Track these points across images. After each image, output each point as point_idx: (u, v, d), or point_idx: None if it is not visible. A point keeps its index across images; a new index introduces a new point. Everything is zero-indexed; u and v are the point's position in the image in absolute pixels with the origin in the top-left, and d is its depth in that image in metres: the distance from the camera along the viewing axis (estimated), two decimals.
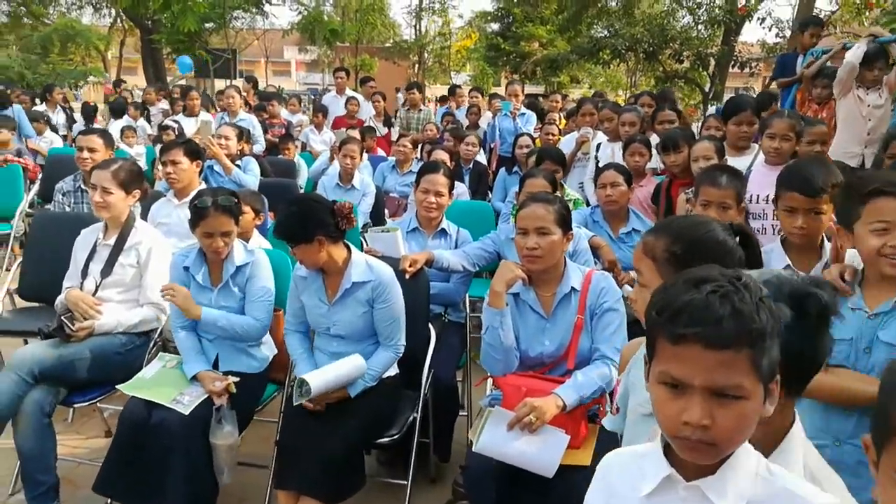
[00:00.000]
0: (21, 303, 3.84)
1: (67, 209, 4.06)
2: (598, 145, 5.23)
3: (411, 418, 2.74)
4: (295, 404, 2.45)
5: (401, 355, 2.69)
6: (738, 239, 1.53)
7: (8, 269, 3.59)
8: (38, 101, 9.37)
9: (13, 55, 17.83)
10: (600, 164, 4.44)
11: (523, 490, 2.11)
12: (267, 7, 15.74)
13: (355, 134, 6.10)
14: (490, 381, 2.57)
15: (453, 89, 9.22)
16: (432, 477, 3.15)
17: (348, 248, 2.66)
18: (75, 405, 2.87)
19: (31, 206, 6.01)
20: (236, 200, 2.81)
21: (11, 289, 3.77)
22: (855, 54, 4.62)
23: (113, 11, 20.77)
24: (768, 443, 1.17)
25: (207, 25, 15.19)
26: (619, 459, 1.19)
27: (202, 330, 2.83)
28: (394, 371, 2.76)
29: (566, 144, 5.54)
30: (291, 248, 2.56)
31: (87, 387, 2.82)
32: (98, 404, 3.36)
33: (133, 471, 2.54)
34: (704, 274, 1.02)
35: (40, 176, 6.27)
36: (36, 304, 3.60)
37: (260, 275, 2.81)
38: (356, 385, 2.55)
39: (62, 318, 2.76)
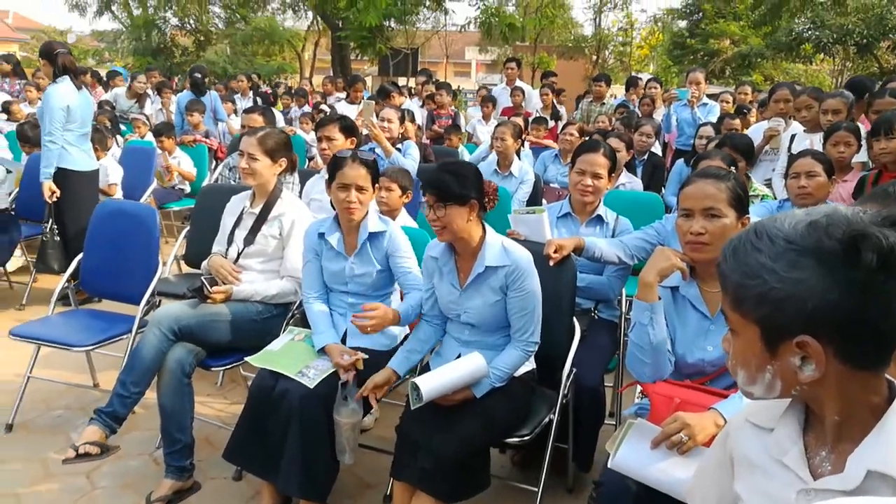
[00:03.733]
0: (186, 269, 4.10)
1: (233, 183, 4.23)
2: (793, 137, 4.57)
3: (546, 420, 2.46)
4: (413, 409, 2.25)
5: (532, 354, 2.41)
6: None
7: (186, 238, 3.85)
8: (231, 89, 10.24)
9: (221, 52, 19.75)
10: None
11: None
12: (447, 4, 15.97)
13: (518, 121, 5.85)
14: (638, 387, 2.21)
15: (633, 81, 8.67)
16: (569, 487, 2.86)
17: (484, 229, 2.43)
18: (212, 368, 2.89)
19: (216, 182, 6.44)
20: (374, 161, 2.73)
21: (179, 255, 4.04)
22: None
23: (310, 14, 22.31)
24: (857, 422, 1.01)
25: (390, 23, 15.72)
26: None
27: (334, 305, 2.74)
28: (530, 366, 2.48)
29: (754, 134, 4.91)
30: (435, 211, 2.30)
31: (224, 351, 2.84)
32: (242, 372, 3.45)
33: (259, 441, 2.51)
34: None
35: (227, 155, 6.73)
36: (196, 271, 3.77)
37: (402, 247, 2.71)
38: (481, 385, 2.30)
39: (203, 280, 2.80)
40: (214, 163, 6.74)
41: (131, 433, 3.20)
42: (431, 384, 2.20)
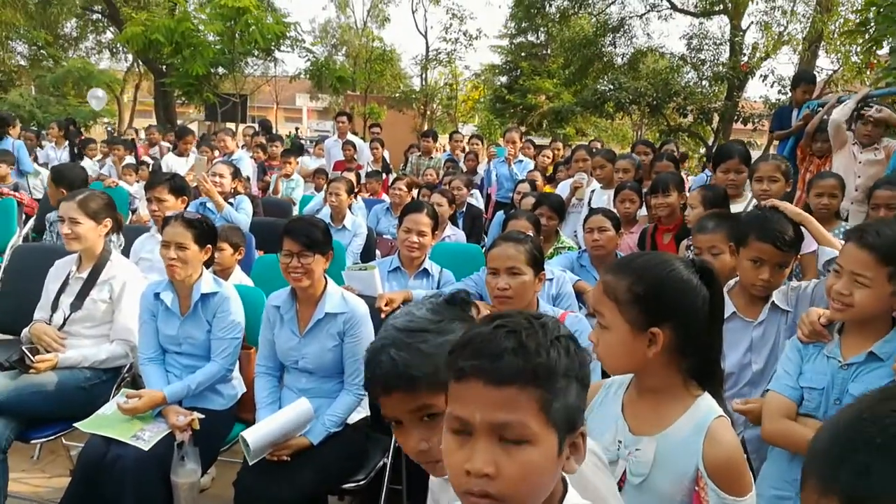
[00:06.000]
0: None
1: (53, 241, 4.04)
2: (593, 192, 5.21)
3: (381, 463, 2.64)
4: (251, 463, 2.33)
5: (362, 399, 2.59)
6: (701, 277, 1.47)
7: None
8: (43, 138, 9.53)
9: (26, 95, 18.24)
10: None
11: None
12: (277, 54, 16.05)
13: (351, 176, 6.09)
14: None
15: (452, 135, 9.28)
16: None
17: (326, 279, 2.62)
18: (33, 440, 2.76)
19: (25, 239, 5.99)
20: (203, 221, 2.79)
21: None
22: (841, 112, 4.63)
23: (130, 56, 21.31)
24: None
25: (218, 70, 15.47)
26: None
27: (169, 365, 2.76)
28: (364, 413, 2.66)
29: (561, 191, 5.51)
30: (300, 258, 2.47)
31: (47, 421, 2.73)
32: (64, 441, 3.28)
33: None
34: (504, 314, 0.96)
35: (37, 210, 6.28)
36: (11, 337, 3.54)
37: (229, 308, 2.75)
38: (316, 431, 2.45)
39: (24, 349, 2.69)
40: (24, 217, 6.27)
41: None
42: (259, 433, 2.30)
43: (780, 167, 3.24)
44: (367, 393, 2.55)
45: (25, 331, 2.94)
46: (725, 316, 1.82)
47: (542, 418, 0.86)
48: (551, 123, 22.18)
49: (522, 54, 25.51)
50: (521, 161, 7.31)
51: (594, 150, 6.11)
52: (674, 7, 19.46)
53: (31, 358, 2.67)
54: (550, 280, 2.93)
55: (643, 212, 4.39)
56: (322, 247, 2.53)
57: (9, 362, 2.68)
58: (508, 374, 0.86)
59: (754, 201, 3.54)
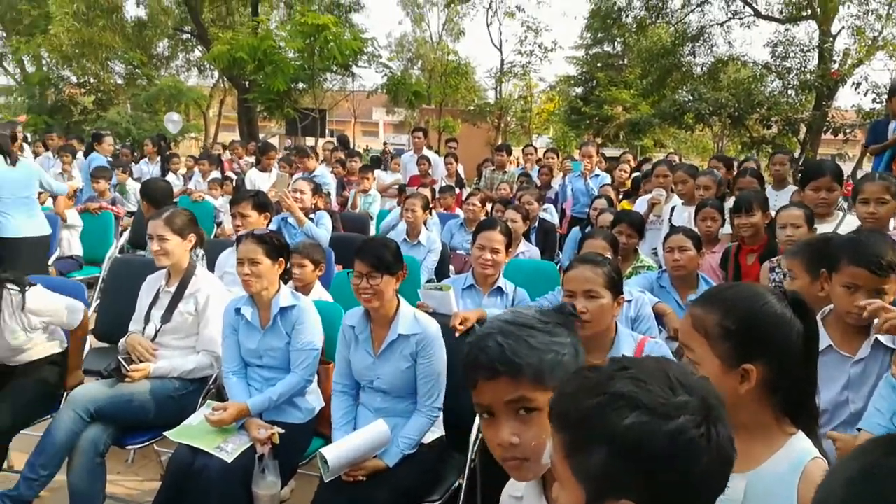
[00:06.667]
0: (97, 343, 4.03)
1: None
2: (673, 208, 5.09)
3: (456, 484, 2.64)
4: (326, 481, 2.37)
5: (435, 419, 2.61)
6: (795, 310, 1.41)
7: (97, 312, 3.79)
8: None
9: (123, 112, 19.37)
10: None
11: None
12: (355, 69, 16.42)
13: (426, 191, 6.16)
14: None
15: (525, 149, 9.25)
16: None
17: (398, 299, 2.65)
18: (128, 446, 2.92)
19: (121, 251, 6.34)
20: (273, 236, 2.88)
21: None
22: None
23: (216, 74, 22.30)
24: None
25: (298, 86, 15.97)
26: None
27: (251, 379, 2.86)
28: (439, 433, 2.67)
29: (638, 207, 5.41)
30: (369, 279, 2.51)
31: (140, 428, 2.88)
32: (155, 448, 3.44)
33: None
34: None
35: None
36: (108, 345, 3.75)
37: (307, 321, 2.82)
38: (391, 453, 2.47)
39: (120, 359, 2.85)
40: (120, 230, 6.64)
41: None
42: (337, 452, 2.35)
43: (888, 188, 3.02)
44: (440, 413, 2.60)
45: (122, 341, 3.11)
46: (820, 349, 1.74)
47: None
48: (628, 135, 21.79)
49: (598, 65, 25.23)
50: (597, 175, 7.22)
51: (675, 164, 5.94)
52: (757, 14, 18.76)
53: (126, 367, 2.83)
54: (629, 302, 2.87)
55: (726, 229, 4.25)
56: (391, 267, 2.55)
57: (106, 371, 2.84)
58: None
59: (849, 221, 3.37)
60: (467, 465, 2.66)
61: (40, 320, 2.97)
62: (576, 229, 5.76)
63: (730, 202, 4.48)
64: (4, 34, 22.14)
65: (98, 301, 3.89)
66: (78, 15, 16.17)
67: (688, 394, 0.88)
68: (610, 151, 15.04)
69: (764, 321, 1.35)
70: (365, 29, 16.55)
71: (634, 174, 7.75)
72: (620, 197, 6.79)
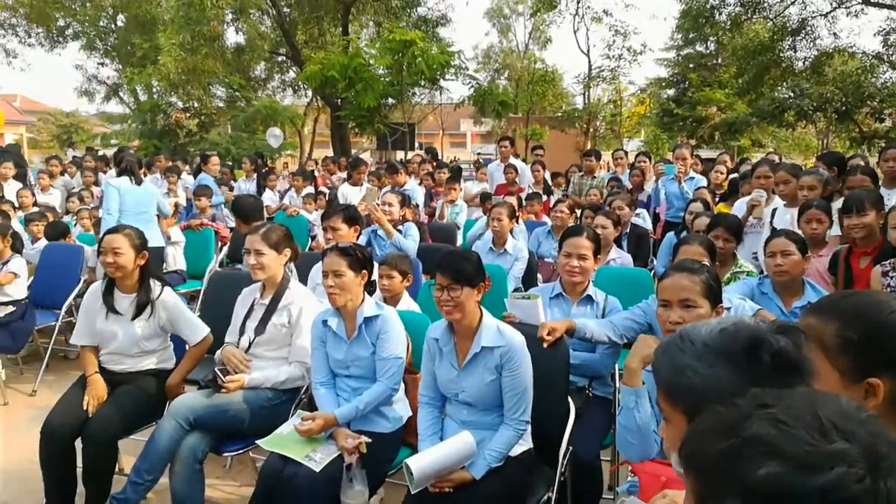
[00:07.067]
0: None
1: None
2: (774, 211, 4.80)
3: (545, 497, 2.57)
4: (413, 492, 2.36)
5: (523, 432, 2.54)
6: None
7: None
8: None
9: (223, 133, 20.37)
10: None
11: None
12: (442, 82, 16.58)
13: (512, 200, 6.11)
14: (630, 465, 2.34)
15: (615, 153, 9.02)
16: None
17: (481, 311, 2.61)
18: (224, 454, 3.02)
19: (220, 265, 6.64)
20: (356, 249, 2.92)
21: None
22: None
23: (309, 93, 23.12)
24: None
25: (387, 101, 16.31)
26: None
27: (339, 389, 2.90)
28: (527, 445, 2.61)
29: (736, 210, 5.15)
30: (450, 291, 2.49)
31: (236, 437, 2.97)
32: (251, 455, 3.55)
33: None
34: None
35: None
36: (207, 356, 3.91)
37: (391, 331, 2.84)
38: (478, 466, 2.43)
39: (216, 370, 2.95)
40: (220, 245, 6.95)
41: None
42: (423, 463, 2.32)
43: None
44: (528, 426, 2.54)
45: (218, 353, 3.23)
46: None
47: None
48: (724, 135, 20.94)
49: (690, 65, 24.48)
50: (692, 178, 6.94)
51: (776, 164, 5.62)
52: (866, 1, 17.60)
53: (222, 379, 2.93)
54: (728, 310, 2.71)
55: (834, 230, 3.97)
56: (472, 279, 2.52)
57: (204, 382, 2.96)
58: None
59: None
60: (556, 478, 2.59)
61: (169, 325, 3.28)
62: (670, 234, 5.54)
63: (838, 202, 4.18)
64: (121, 67, 23.86)
65: (198, 314, 4.06)
66: (184, 45, 17.14)
67: (845, 439, 0.73)
68: (705, 153, 14.49)
69: (891, 331, 1.24)
70: (452, 42, 16.70)
71: (732, 176, 7.37)
72: (717, 200, 6.48)
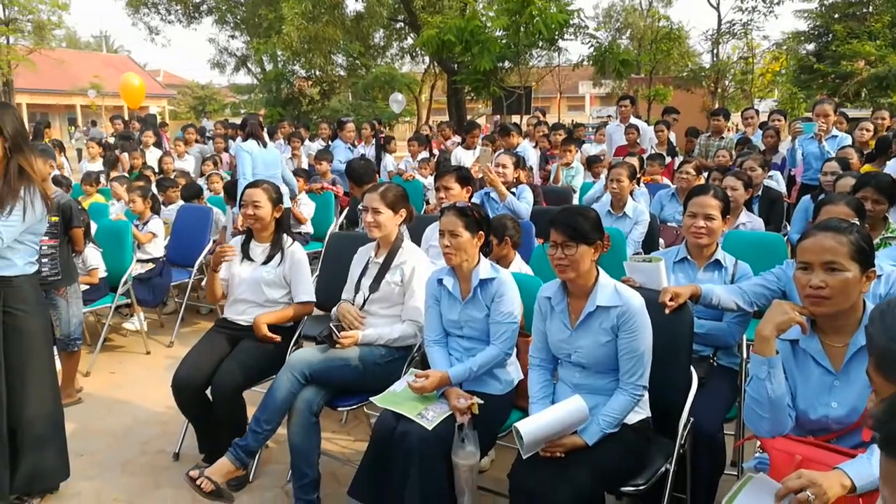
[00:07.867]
0: (315, 311, 4.37)
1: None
2: None
3: (663, 469, 2.45)
4: (525, 457, 2.30)
5: (639, 398, 2.41)
6: None
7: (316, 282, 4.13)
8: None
9: (344, 100, 20.88)
10: None
11: None
12: (561, 43, 16.08)
13: (633, 161, 5.83)
14: (757, 441, 2.16)
15: (744, 113, 8.39)
16: None
17: (598, 270, 2.49)
18: (339, 408, 3.11)
19: (340, 228, 6.83)
20: (473, 209, 2.86)
21: None
22: None
23: (427, 59, 23.19)
24: None
25: (504, 64, 16.03)
26: None
27: (451, 348, 2.88)
28: (644, 413, 2.49)
29: (891, 170, 4.64)
30: (564, 249, 2.39)
31: (350, 392, 3.04)
32: (365, 410, 3.64)
33: (381, 479, 2.65)
34: None
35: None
36: (324, 313, 4.03)
37: (506, 294, 2.77)
38: (591, 431, 2.33)
39: (332, 326, 3.02)
40: (340, 209, 7.15)
41: (267, 466, 3.47)
42: (533, 426, 2.25)
43: None
44: (645, 393, 2.42)
45: (334, 309, 3.31)
46: None
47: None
48: (872, 92, 19.05)
49: (835, 16, 22.25)
50: (834, 136, 6.33)
51: None
52: None
53: (337, 335, 3.00)
54: (879, 277, 2.44)
55: None
56: (588, 237, 2.39)
57: (320, 337, 3.04)
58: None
59: None
60: (675, 450, 2.45)
61: (289, 275, 3.44)
62: (807, 198, 5.10)
63: None
64: (248, 38, 24.93)
65: (318, 272, 4.19)
66: (305, 13, 17.61)
67: None
68: (851, 112, 13.22)
69: None
70: (571, 1, 16.00)
71: (883, 135, 6.65)
72: (863, 161, 5.87)
